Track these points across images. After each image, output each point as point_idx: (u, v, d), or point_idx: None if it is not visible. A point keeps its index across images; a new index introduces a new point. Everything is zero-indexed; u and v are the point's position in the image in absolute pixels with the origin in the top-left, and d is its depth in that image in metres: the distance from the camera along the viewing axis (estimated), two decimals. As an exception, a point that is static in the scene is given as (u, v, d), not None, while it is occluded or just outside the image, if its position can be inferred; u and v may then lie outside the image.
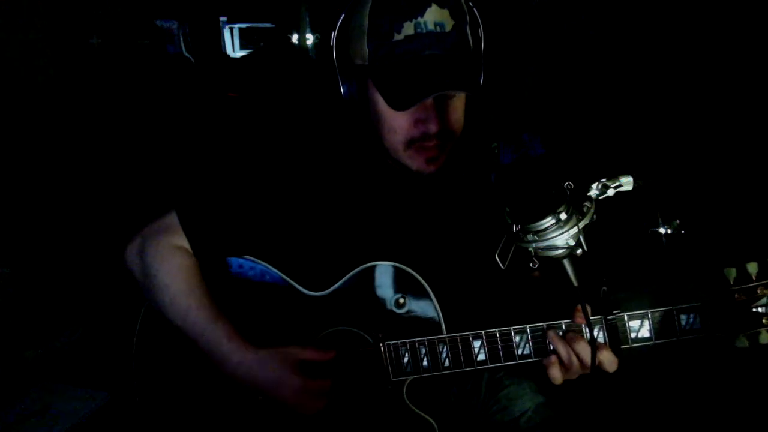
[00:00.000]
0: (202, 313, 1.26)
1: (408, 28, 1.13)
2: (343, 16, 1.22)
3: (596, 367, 1.12)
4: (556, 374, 1.18)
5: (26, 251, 2.66)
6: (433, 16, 1.14)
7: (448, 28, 1.15)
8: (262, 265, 1.35)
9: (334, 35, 1.23)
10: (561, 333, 1.19)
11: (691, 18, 2.72)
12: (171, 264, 1.29)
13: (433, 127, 1.20)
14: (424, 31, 1.13)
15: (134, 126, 3.27)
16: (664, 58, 2.84)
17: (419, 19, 1.13)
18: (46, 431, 1.91)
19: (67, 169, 2.87)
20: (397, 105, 1.16)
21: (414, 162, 1.25)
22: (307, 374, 1.24)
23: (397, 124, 1.21)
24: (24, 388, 2.12)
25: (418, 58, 1.15)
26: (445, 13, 1.15)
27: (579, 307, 1.17)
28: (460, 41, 1.18)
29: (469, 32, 1.22)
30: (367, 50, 1.17)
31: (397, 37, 1.14)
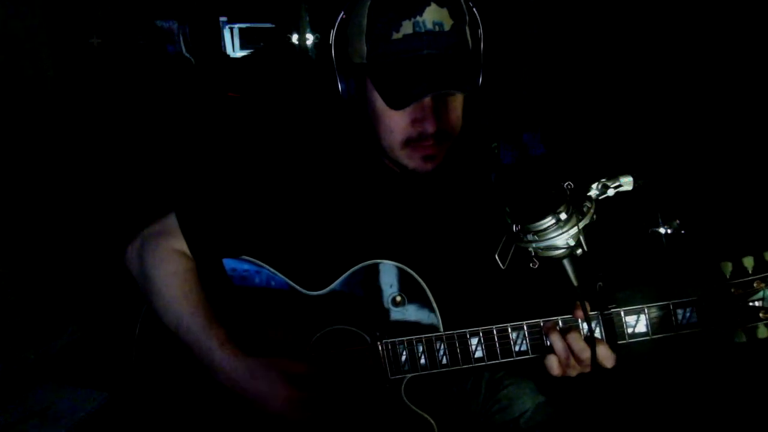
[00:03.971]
0: (196, 320, 1.27)
1: (407, 27, 1.13)
2: (342, 14, 1.22)
3: (596, 365, 1.12)
4: (553, 364, 1.16)
5: (27, 251, 2.66)
6: (431, 15, 1.13)
7: (447, 27, 1.15)
8: (260, 265, 1.35)
9: (333, 34, 1.23)
10: (558, 328, 1.19)
11: (691, 18, 2.72)
12: (167, 269, 1.30)
13: (430, 127, 1.20)
14: (423, 30, 1.13)
15: (134, 126, 3.27)
16: (664, 58, 2.84)
17: (418, 18, 1.13)
18: (46, 431, 1.91)
19: (67, 169, 2.87)
20: (395, 104, 1.16)
21: (411, 161, 1.25)
22: (297, 384, 1.24)
23: (395, 123, 1.21)
24: (24, 388, 2.13)
25: (416, 58, 1.14)
26: (444, 12, 1.15)
27: (578, 304, 1.18)
28: (458, 41, 1.18)
29: (468, 32, 1.22)
30: (365, 49, 1.17)
31: (396, 35, 1.14)
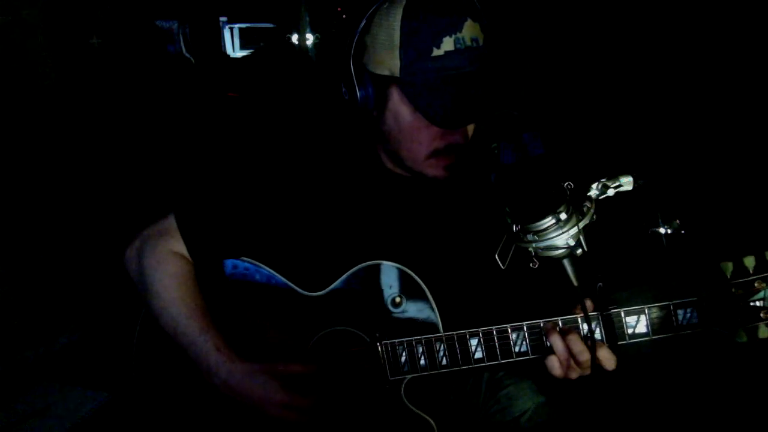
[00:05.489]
0: (192, 323, 1.26)
1: (447, 44, 1.12)
2: (363, 23, 1.19)
3: (596, 366, 1.12)
4: (554, 364, 1.15)
5: (27, 251, 2.66)
6: (470, 31, 1.13)
7: (481, 42, 1.15)
8: (259, 266, 1.35)
9: (354, 41, 1.20)
10: (558, 329, 1.19)
11: (692, 18, 2.72)
12: (165, 271, 1.29)
13: (460, 139, 1.21)
14: (463, 46, 1.12)
15: (134, 126, 3.27)
16: (664, 58, 2.84)
17: (458, 34, 1.12)
18: (46, 431, 1.91)
19: (67, 170, 2.87)
20: (442, 123, 1.16)
21: (433, 170, 1.25)
22: (295, 387, 1.24)
23: (424, 136, 1.21)
24: (24, 388, 2.13)
25: (459, 76, 1.14)
26: (477, 27, 1.15)
27: (579, 306, 1.17)
28: (491, 56, 1.18)
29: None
30: (398, 62, 1.14)
31: (437, 52, 1.12)
